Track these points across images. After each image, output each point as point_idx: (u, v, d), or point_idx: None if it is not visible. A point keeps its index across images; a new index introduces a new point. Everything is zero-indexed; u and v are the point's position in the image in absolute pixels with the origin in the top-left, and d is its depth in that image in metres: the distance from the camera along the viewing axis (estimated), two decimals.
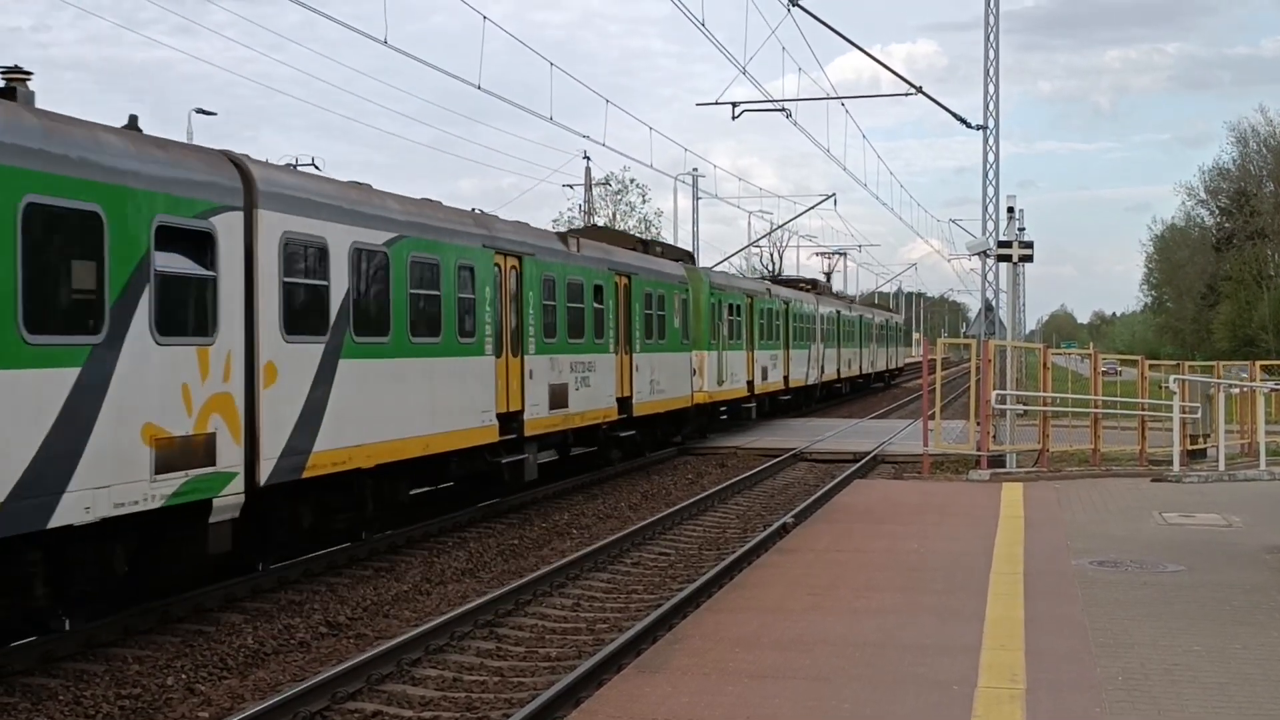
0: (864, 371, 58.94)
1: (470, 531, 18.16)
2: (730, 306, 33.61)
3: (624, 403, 24.80)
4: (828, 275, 67.80)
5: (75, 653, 11.12)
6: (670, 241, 61.54)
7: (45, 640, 11.05)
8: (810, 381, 44.80)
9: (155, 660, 11.02)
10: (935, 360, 25.96)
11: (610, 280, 23.96)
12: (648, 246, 29.36)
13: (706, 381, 30.85)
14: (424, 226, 16.61)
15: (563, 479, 22.94)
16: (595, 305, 23.08)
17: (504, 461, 18.88)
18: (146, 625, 12.06)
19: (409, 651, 11.08)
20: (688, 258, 33.26)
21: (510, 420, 19.18)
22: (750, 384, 35.76)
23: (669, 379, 27.70)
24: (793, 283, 49.25)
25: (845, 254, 70.98)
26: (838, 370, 50.91)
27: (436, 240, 16.89)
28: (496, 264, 18.79)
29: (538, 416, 20.18)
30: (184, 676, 10.60)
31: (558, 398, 21.02)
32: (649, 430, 27.30)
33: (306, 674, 10.74)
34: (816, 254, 68.65)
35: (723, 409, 34.04)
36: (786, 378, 40.60)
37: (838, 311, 51.18)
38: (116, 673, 10.62)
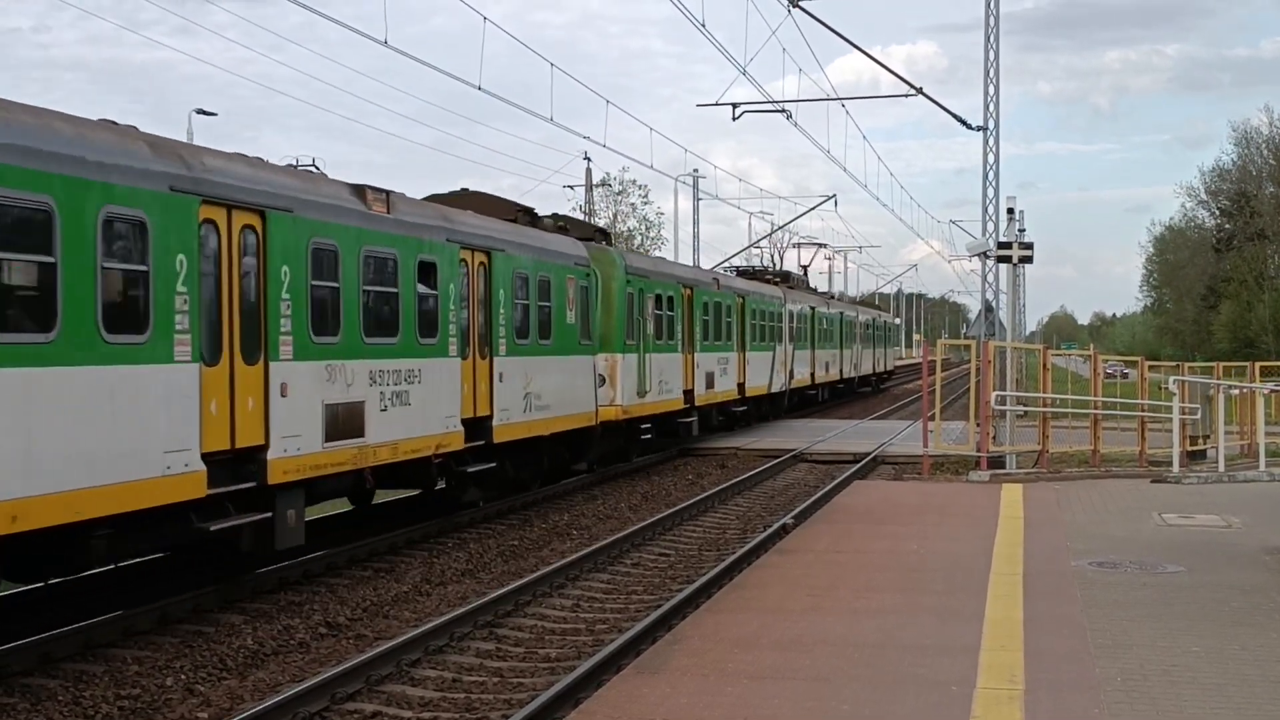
0: (846, 375, 53.14)
1: (470, 532, 18.16)
2: (658, 298, 27.11)
3: (479, 424, 18.20)
4: (804, 268, 57.68)
5: (74, 653, 11.12)
6: (670, 242, 61.00)
7: (44, 640, 11.05)
8: (775, 388, 38.86)
9: (154, 661, 11.03)
10: (935, 361, 25.97)
11: (451, 255, 17.28)
12: (536, 218, 22.52)
13: (620, 392, 24.55)
14: (9, 148, 9.90)
15: (361, 537, 16.58)
16: (424, 290, 16.44)
17: (214, 529, 12.28)
18: (146, 626, 12.05)
19: (408, 652, 11.09)
20: (600, 236, 26.74)
21: (246, 461, 12.86)
22: (689, 393, 29.44)
23: (558, 390, 21.08)
24: (757, 274, 43.56)
25: (826, 245, 62.79)
26: (811, 374, 44.92)
27: (43, 171, 10.20)
28: (208, 220, 12.31)
29: (301, 453, 13.55)
30: (183, 677, 10.60)
31: (345, 422, 14.44)
32: (526, 459, 20.74)
33: (306, 674, 10.74)
34: (795, 245, 59.58)
35: (645, 426, 26.60)
36: (742, 385, 34.78)
37: (812, 308, 45.29)
38: (116, 673, 10.63)
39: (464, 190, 22.57)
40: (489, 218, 19.67)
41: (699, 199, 66.13)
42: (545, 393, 20.47)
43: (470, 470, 18.16)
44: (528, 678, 10.79)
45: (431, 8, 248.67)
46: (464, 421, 17.59)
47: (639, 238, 74.97)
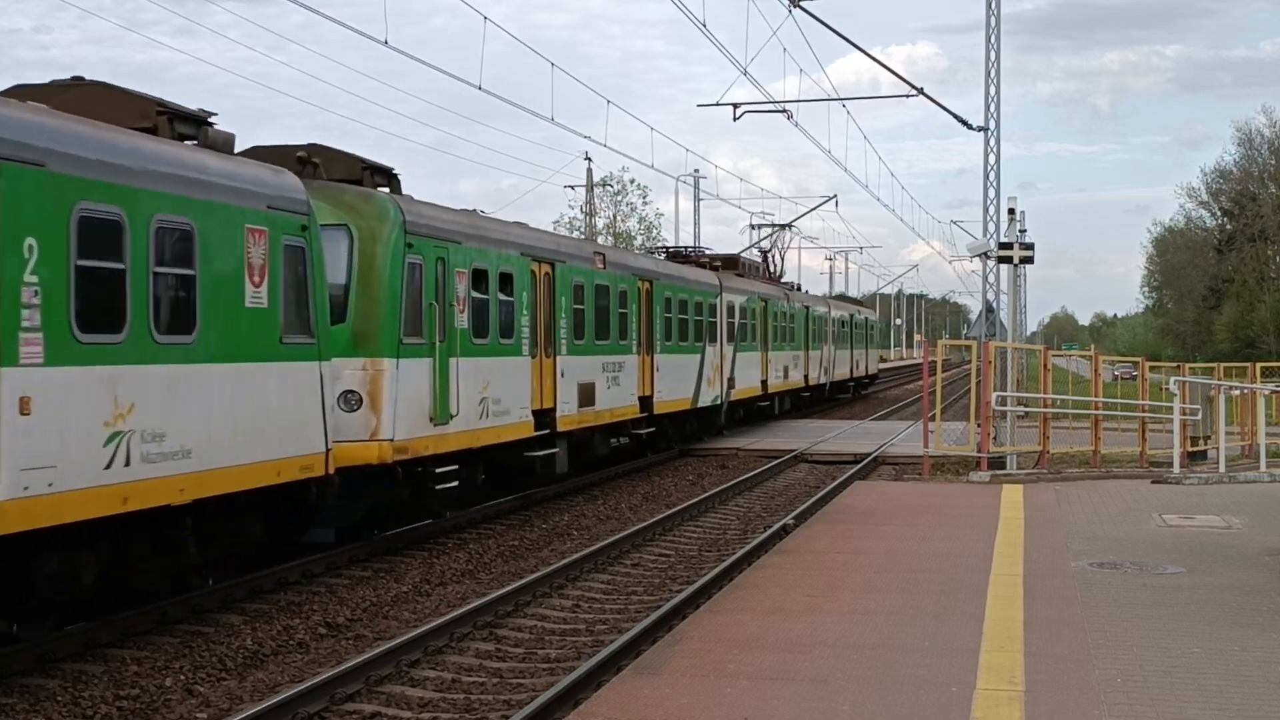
0: (814, 381, 44.79)
1: (470, 533, 18.14)
2: (479, 275, 18.24)
3: None
4: (765, 254, 46.59)
5: (74, 653, 11.11)
6: (670, 242, 59.68)
7: (43, 640, 11.04)
8: (705, 401, 30.62)
9: (154, 661, 11.02)
10: (936, 362, 25.95)
11: None
12: (203, 124, 13.80)
13: (389, 419, 15.66)
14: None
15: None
16: None
17: None
18: (145, 626, 12.04)
19: (408, 653, 11.07)
20: (378, 177, 17.40)
21: None
22: (546, 414, 20.75)
23: (220, 424, 12.18)
24: (690, 258, 34.95)
25: (791, 226, 52.50)
26: (763, 381, 36.92)
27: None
28: None
29: None
30: (182, 677, 10.59)
31: None
32: (140, 551, 11.74)
33: (305, 675, 10.73)
34: (752, 225, 49.03)
35: (446, 469, 17.12)
36: (648, 398, 26.34)
37: (763, 300, 37.12)
38: (115, 673, 10.62)
39: (76, 79, 13.06)
40: (71, 116, 10.96)
41: (700, 199, 66.14)
42: (183, 430, 11.64)
43: None
44: (527, 678, 10.78)
45: (432, 8, 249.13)
46: None
47: (639, 238, 74.97)
